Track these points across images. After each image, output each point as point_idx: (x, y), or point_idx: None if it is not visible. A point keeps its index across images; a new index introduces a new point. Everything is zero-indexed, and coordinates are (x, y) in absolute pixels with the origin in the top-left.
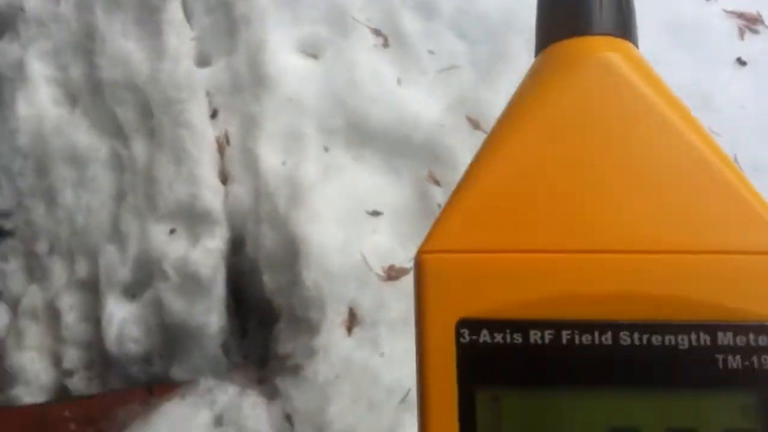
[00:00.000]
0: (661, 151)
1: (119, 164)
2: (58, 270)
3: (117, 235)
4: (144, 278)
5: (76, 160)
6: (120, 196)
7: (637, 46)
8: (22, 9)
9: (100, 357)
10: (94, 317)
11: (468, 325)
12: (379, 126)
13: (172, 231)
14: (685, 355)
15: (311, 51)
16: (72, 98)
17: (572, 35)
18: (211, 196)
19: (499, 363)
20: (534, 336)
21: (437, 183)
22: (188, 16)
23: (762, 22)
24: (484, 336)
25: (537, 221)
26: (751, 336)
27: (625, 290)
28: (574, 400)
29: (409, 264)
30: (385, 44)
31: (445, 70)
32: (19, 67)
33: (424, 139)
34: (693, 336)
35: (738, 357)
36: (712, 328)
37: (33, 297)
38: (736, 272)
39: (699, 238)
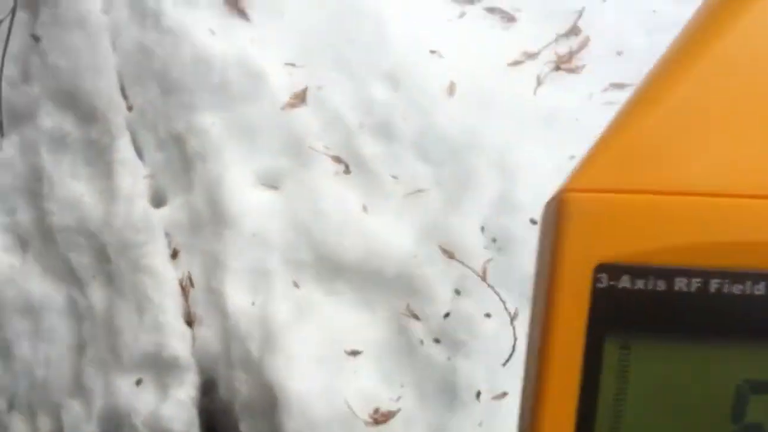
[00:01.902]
0: None
1: (77, 313)
2: (19, 427)
3: (80, 389)
4: None
5: (31, 310)
6: (80, 347)
7: None
8: None
9: None
10: None
11: (607, 269)
12: (350, 258)
13: (139, 382)
14: None
15: (271, 183)
16: (23, 244)
17: None
18: (178, 342)
19: (636, 310)
20: (679, 283)
21: (416, 317)
22: (139, 153)
23: None
24: (624, 281)
25: (692, 162)
26: None
27: None
28: (710, 351)
29: (396, 406)
30: (347, 171)
31: (410, 195)
32: None
33: (397, 271)
34: None
35: None
36: None
37: None
38: None
39: None
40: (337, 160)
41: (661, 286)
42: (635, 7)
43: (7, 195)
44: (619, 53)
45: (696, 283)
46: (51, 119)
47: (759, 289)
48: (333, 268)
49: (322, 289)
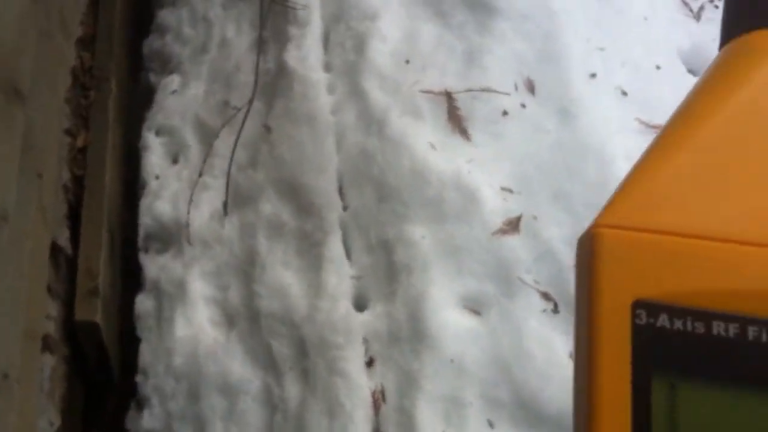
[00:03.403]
0: None
1: (270, 401)
2: None
3: None
4: None
5: (229, 390)
6: None
7: None
8: (187, 226)
9: None
10: None
11: (645, 306)
12: (550, 409)
13: None
14: None
15: (475, 307)
16: (229, 322)
17: (757, 28)
18: None
19: (678, 350)
20: (717, 327)
21: None
22: (348, 254)
23: None
24: (663, 320)
25: (729, 208)
26: None
27: None
28: (756, 398)
29: None
30: (555, 310)
31: None
32: (181, 285)
33: None
34: None
35: None
36: None
37: None
38: None
39: None
40: (546, 296)
41: (700, 328)
42: None
43: (223, 272)
44: None
45: (734, 328)
46: (271, 206)
47: None
48: (532, 415)
49: None
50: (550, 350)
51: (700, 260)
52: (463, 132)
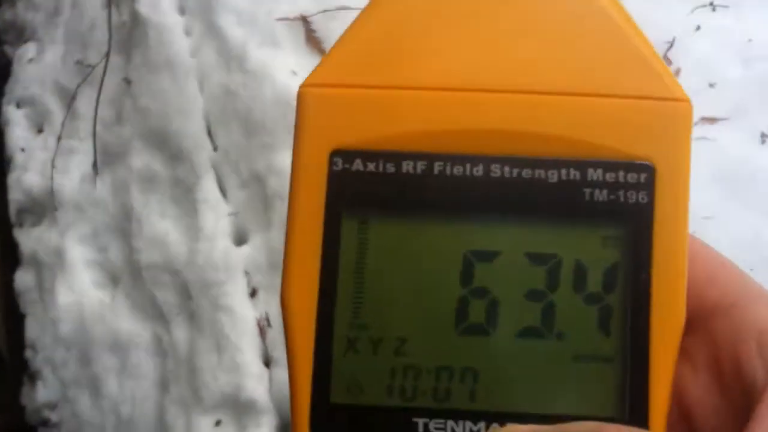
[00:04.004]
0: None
1: (161, 350)
2: None
3: (163, 427)
4: None
5: (119, 347)
6: (164, 386)
7: None
8: (52, 193)
9: None
10: None
11: (341, 154)
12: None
13: (218, 423)
14: (552, 188)
15: None
16: (113, 281)
17: None
18: (255, 384)
19: (368, 190)
20: (407, 166)
21: None
22: (223, 192)
23: None
24: (357, 165)
25: (417, 60)
26: (621, 173)
27: (500, 128)
28: (439, 225)
29: None
30: None
31: None
32: (58, 253)
33: None
34: (563, 171)
35: (605, 191)
36: (582, 164)
37: None
38: (611, 114)
39: (581, 81)
40: None
41: (390, 168)
42: (729, 37)
43: (100, 233)
44: (711, 85)
45: (421, 165)
46: (141, 159)
47: (477, 171)
48: None
49: None
50: None
51: (390, 108)
52: (323, 53)
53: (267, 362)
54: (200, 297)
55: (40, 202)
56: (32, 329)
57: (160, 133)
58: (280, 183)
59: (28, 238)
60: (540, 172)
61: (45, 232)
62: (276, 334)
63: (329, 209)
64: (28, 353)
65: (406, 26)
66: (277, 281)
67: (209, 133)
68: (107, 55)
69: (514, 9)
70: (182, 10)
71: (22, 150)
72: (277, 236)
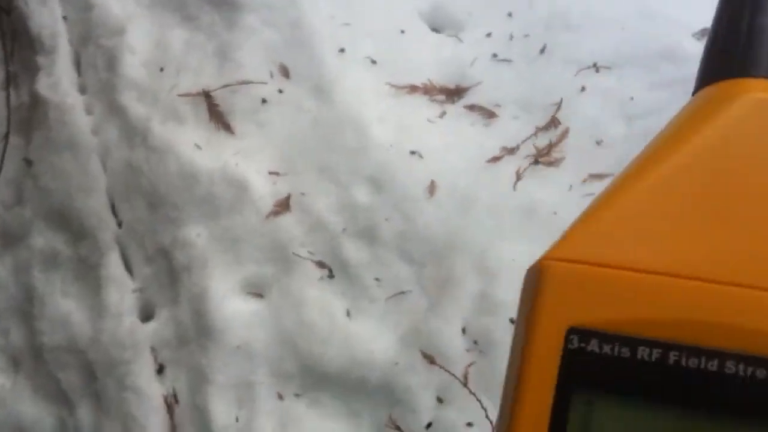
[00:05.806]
0: None
1: None
2: None
3: None
4: None
5: None
6: None
7: None
8: None
9: None
10: None
11: (578, 332)
12: (334, 368)
13: None
14: None
15: (256, 291)
16: (15, 364)
17: (730, 77)
18: None
19: (601, 371)
20: (642, 352)
21: (398, 429)
22: (129, 268)
23: None
24: (593, 345)
25: (664, 244)
26: None
27: (739, 323)
28: (668, 416)
29: None
30: (330, 275)
31: (393, 297)
32: None
33: (380, 380)
34: None
35: None
36: None
37: None
38: None
39: None
40: (321, 264)
41: (625, 352)
42: (613, 95)
43: (1, 316)
44: (598, 143)
45: (656, 353)
46: (43, 238)
47: (712, 365)
48: (317, 379)
49: (306, 401)
50: (328, 314)
51: (632, 292)
52: (227, 127)
53: None
54: (105, 377)
55: None
56: None
57: (62, 212)
58: (186, 255)
59: None
60: None
61: None
62: (184, 410)
63: (560, 386)
64: None
65: (656, 206)
66: (185, 357)
67: (113, 210)
68: (6, 136)
69: (765, 198)
70: (83, 89)
71: None
72: (186, 310)
